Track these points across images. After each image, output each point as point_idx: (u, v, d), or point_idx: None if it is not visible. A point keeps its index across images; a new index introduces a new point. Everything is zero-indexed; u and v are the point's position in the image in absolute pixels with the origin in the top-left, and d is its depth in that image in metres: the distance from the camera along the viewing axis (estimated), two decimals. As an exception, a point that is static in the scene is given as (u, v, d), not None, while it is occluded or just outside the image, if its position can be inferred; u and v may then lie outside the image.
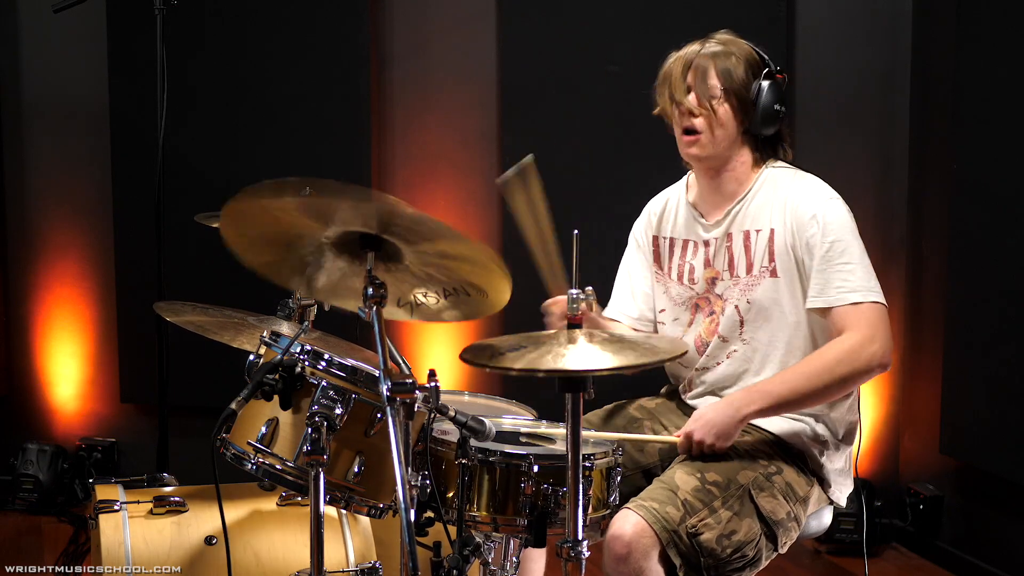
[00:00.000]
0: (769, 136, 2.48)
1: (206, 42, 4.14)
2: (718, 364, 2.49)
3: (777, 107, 2.43)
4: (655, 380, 2.72)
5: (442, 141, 4.24)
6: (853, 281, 2.34)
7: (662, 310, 2.61)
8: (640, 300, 2.66)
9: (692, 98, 2.43)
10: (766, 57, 2.46)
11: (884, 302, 2.36)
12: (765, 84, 2.42)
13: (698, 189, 2.56)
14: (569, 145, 4.06)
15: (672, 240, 2.60)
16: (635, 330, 2.65)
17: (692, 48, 2.46)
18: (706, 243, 2.52)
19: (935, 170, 3.92)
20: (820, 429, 2.45)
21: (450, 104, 4.22)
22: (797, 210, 2.40)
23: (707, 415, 2.34)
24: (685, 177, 2.62)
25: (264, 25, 4.14)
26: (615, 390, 2.61)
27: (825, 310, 2.37)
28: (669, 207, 2.63)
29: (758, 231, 2.44)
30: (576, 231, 2.00)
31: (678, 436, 2.37)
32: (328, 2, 4.09)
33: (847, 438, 2.49)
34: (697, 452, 2.35)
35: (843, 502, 2.52)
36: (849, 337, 2.33)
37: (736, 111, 2.43)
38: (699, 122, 2.43)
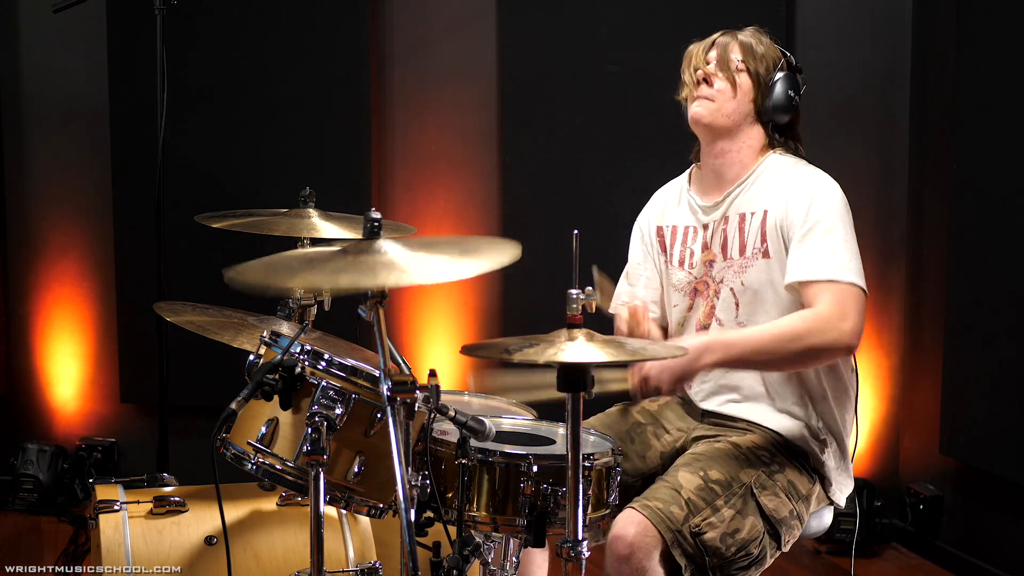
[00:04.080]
0: (781, 126, 2.50)
1: (206, 42, 4.14)
2: None
3: (791, 93, 2.46)
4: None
5: (442, 141, 4.24)
6: (832, 259, 2.33)
7: (670, 297, 2.63)
8: (641, 288, 2.67)
9: (712, 67, 2.47)
10: (789, 55, 2.51)
11: (863, 286, 2.34)
12: (783, 73, 2.47)
13: (700, 175, 2.58)
14: (569, 145, 4.06)
15: (675, 228, 2.61)
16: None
17: (717, 33, 2.52)
18: (704, 226, 2.54)
19: (935, 170, 3.92)
20: (820, 427, 2.46)
21: (450, 104, 4.22)
22: (790, 192, 2.40)
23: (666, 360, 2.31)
24: (688, 170, 2.64)
25: (264, 25, 4.14)
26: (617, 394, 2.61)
27: (802, 284, 2.35)
28: (670, 197, 2.65)
29: (753, 213, 2.45)
30: (576, 231, 2.00)
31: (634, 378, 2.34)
32: (328, 2, 4.09)
33: (845, 437, 2.49)
34: (646, 391, 2.32)
35: (842, 502, 2.52)
36: (821, 310, 2.31)
37: (752, 86, 2.46)
38: (714, 89, 2.46)
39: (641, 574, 2.18)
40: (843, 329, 2.29)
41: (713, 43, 2.50)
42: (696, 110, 2.48)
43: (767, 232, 2.42)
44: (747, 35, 2.50)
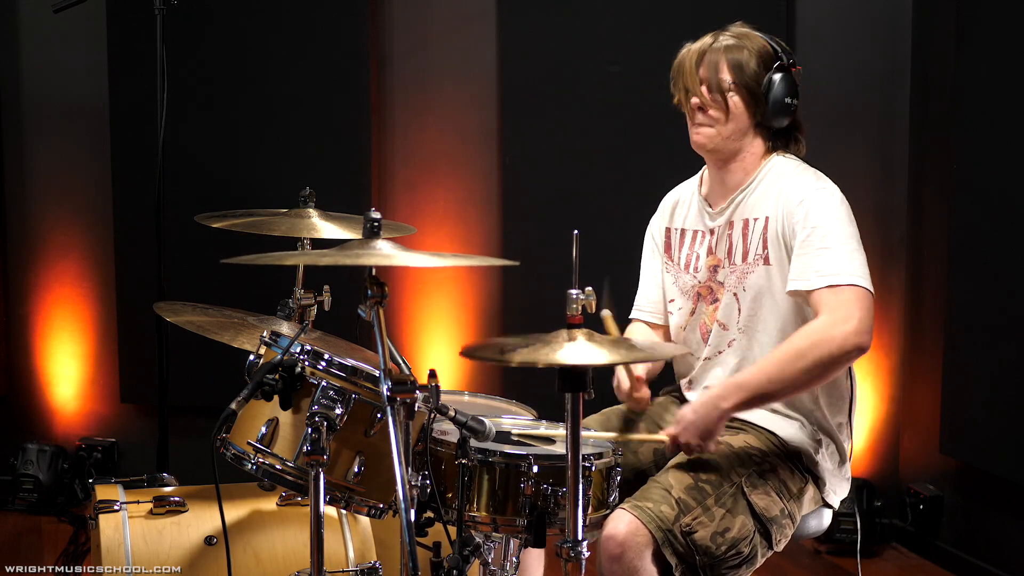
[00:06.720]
0: (782, 128, 2.49)
1: (206, 42, 4.14)
2: (720, 353, 2.50)
3: (788, 100, 2.44)
4: (657, 383, 2.72)
5: (442, 141, 4.24)
6: (830, 265, 2.32)
7: (671, 300, 2.63)
8: (654, 291, 2.68)
9: (704, 90, 2.44)
10: (779, 49, 2.46)
11: (867, 286, 2.32)
12: (777, 77, 2.43)
13: (708, 180, 2.58)
14: (569, 145, 4.06)
15: (683, 231, 2.62)
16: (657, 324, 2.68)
17: (705, 41, 2.48)
18: (711, 231, 2.54)
19: (935, 170, 3.92)
20: (814, 427, 2.46)
21: (450, 104, 4.22)
22: (788, 198, 2.40)
23: (688, 416, 2.33)
24: (700, 171, 2.64)
25: (264, 25, 4.14)
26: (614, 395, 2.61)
27: (804, 294, 2.35)
28: (682, 200, 2.65)
29: (755, 219, 2.46)
30: (576, 231, 2.00)
31: (665, 436, 2.37)
32: (328, 2, 4.09)
33: (841, 438, 2.49)
34: (687, 453, 2.35)
35: (836, 504, 2.51)
36: (821, 319, 2.30)
37: (747, 104, 2.44)
38: (710, 114, 2.45)
39: (633, 573, 2.19)
40: (846, 332, 2.27)
41: (701, 59, 2.45)
42: (697, 138, 2.47)
43: (768, 239, 2.43)
44: (733, 42, 2.44)
